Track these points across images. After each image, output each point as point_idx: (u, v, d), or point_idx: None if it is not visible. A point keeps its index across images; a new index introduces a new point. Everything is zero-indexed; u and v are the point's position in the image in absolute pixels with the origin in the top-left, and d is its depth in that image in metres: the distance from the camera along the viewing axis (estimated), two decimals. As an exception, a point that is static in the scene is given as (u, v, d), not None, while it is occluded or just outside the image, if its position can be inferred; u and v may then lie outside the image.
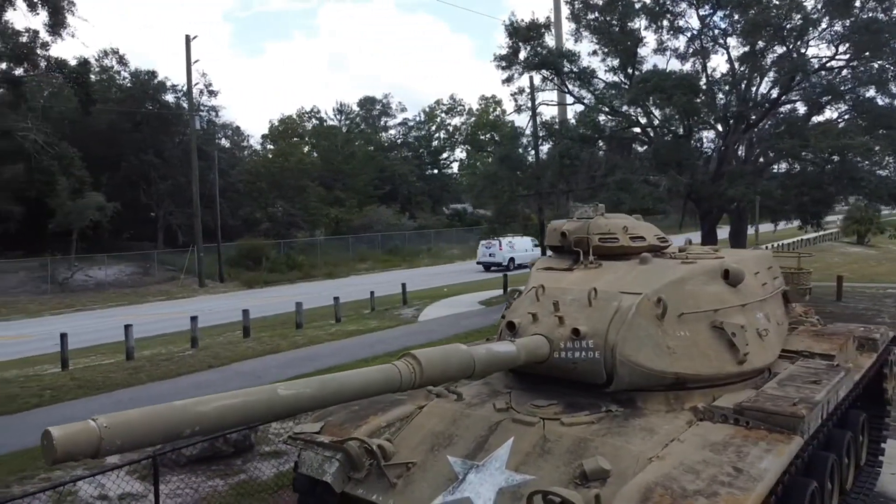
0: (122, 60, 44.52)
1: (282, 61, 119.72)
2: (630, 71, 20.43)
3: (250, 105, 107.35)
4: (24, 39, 11.37)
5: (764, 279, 7.14)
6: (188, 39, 37.09)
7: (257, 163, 51.31)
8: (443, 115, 72.07)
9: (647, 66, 20.89)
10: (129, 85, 44.96)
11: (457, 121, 72.27)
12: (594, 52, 21.89)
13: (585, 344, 5.62)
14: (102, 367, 14.52)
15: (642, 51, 21.17)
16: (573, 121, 22.04)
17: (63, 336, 14.02)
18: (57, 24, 11.82)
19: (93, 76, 45.94)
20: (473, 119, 70.47)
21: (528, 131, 23.31)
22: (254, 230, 48.98)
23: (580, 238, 6.99)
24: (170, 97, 46.77)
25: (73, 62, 11.55)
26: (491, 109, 68.76)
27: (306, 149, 63.07)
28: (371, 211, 55.18)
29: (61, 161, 12.05)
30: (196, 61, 37.79)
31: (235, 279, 40.65)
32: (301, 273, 43.21)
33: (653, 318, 5.77)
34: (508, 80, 21.10)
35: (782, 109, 19.85)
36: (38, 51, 10.95)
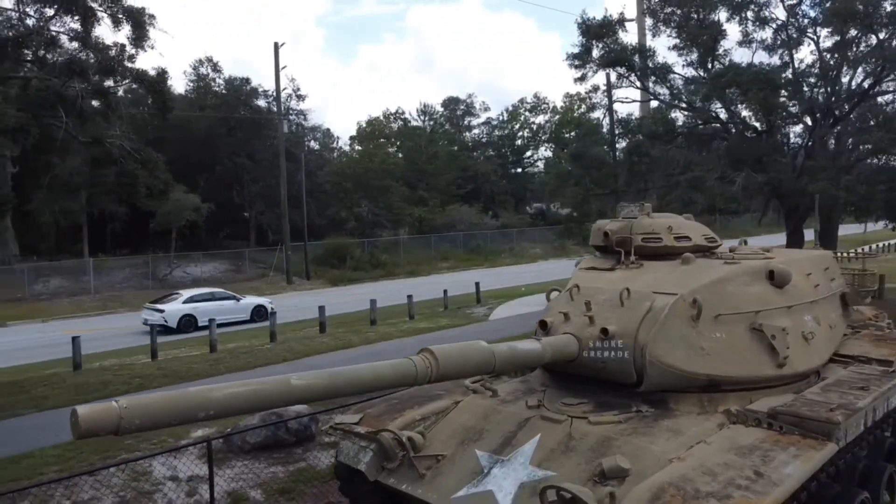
0: (216, 68, 46.93)
1: (372, 63, 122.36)
2: (710, 65, 19.78)
3: (342, 107, 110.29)
4: (112, 53, 12.42)
5: (818, 280, 6.88)
6: (276, 47, 38.64)
7: (343, 164, 52.72)
8: (526, 113, 71.68)
9: (731, 59, 20.19)
10: (223, 91, 47.19)
11: (540, 119, 71.77)
12: (673, 48, 21.34)
13: (614, 344, 5.63)
14: (187, 359, 15.48)
15: (726, 43, 20.45)
16: (642, 118, 21.53)
17: (152, 329, 15.05)
18: (140, 38, 12.80)
19: (190, 83, 48.82)
20: (558, 117, 69.74)
21: (604, 128, 22.97)
22: (340, 229, 50.41)
23: (623, 238, 6.97)
24: (262, 102, 48.86)
25: (153, 72, 12.55)
26: (576, 107, 67.77)
27: (392, 149, 64.30)
28: (453, 210, 55.60)
29: (145, 165, 13.05)
30: (283, 67, 39.27)
31: (321, 277, 41.97)
32: (384, 271, 44.12)
33: (687, 319, 5.71)
34: (581, 79, 20.89)
35: (875, 101, 18.67)
36: (126, 63, 11.90)
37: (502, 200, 65.41)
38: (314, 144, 64.02)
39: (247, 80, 47.05)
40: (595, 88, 21.84)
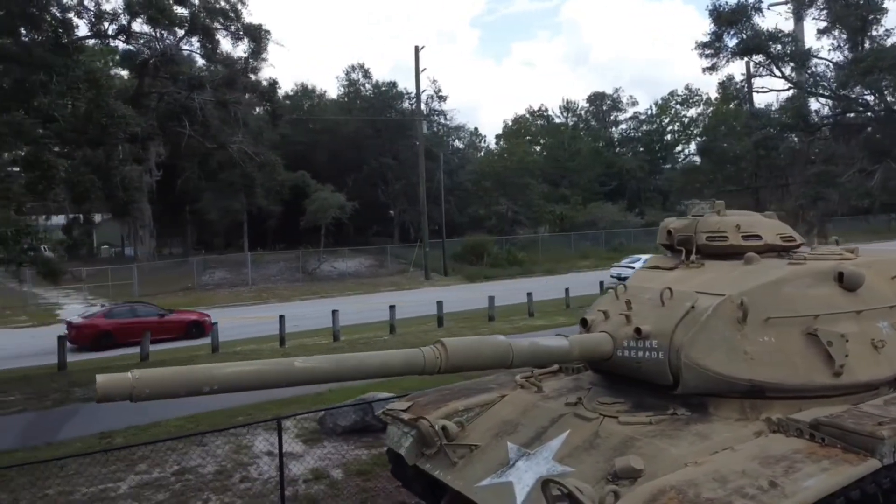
0: (366, 74, 49.40)
1: (525, 60, 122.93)
2: (860, 48, 18.01)
3: (494, 106, 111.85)
4: (238, 67, 13.74)
5: (904, 284, 6.26)
6: (417, 50, 40.02)
7: (483, 162, 53.50)
8: (677, 106, 68.63)
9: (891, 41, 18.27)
10: (371, 95, 49.61)
11: (692, 112, 68.42)
12: (821, 31, 19.69)
13: (649, 344, 5.52)
14: (311, 347, 16.65)
15: (889, 21, 18.52)
16: (773, 108, 19.99)
17: (281, 318, 16.40)
18: (257, 52, 14.07)
19: (342, 88, 51.75)
20: (711, 109, 66.14)
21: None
22: (480, 227, 51.30)
23: (686, 237, 6.75)
24: (407, 104, 50.80)
25: (265, 83, 13.78)
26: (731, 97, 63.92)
27: (537, 147, 64.29)
28: (595, 208, 54.56)
29: (263, 167, 14.22)
30: (423, 70, 40.57)
31: (458, 273, 42.95)
32: (521, 269, 44.31)
33: (733, 321, 5.47)
34: (712, 69, 19.78)
35: None
36: (248, 75, 13.10)
37: (649, 198, 63.24)
38: (459, 144, 65.54)
39: (393, 84, 49.19)
40: (730, 78, 20.64)
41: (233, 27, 13.24)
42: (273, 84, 14.18)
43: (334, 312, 17.74)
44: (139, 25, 11.63)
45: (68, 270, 18.41)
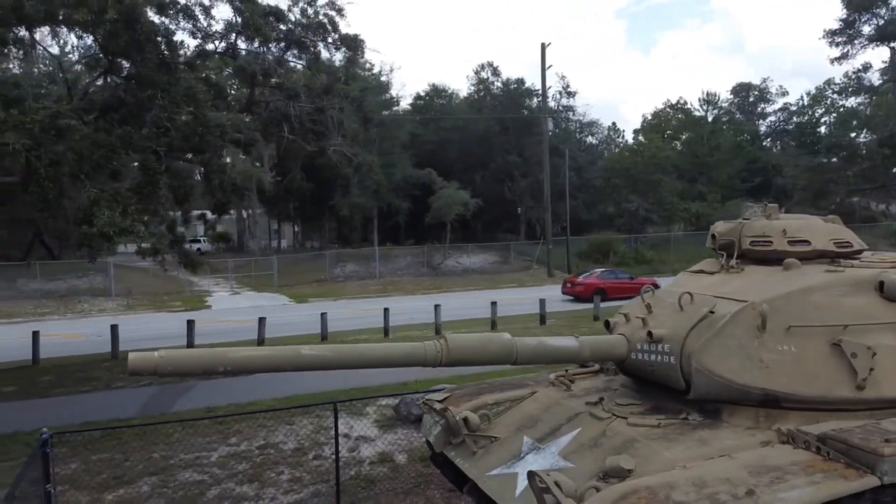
0: (496, 72, 49.90)
1: (672, 52, 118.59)
2: None
3: (638, 100, 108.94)
4: (339, 76, 14.66)
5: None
6: (543, 47, 39.90)
7: (613, 158, 52.36)
8: (834, 96, 63.23)
9: None
10: (499, 93, 50.09)
11: (852, 101, 62.73)
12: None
13: (661, 348, 5.56)
14: (412, 338, 17.39)
15: None
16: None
17: (385, 311, 17.29)
18: (352, 62, 14.87)
19: (472, 87, 52.61)
20: (874, 98, 60.38)
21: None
22: (610, 225, 50.34)
23: (728, 241, 6.64)
24: (536, 101, 50.74)
25: (357, 92, 14.54)
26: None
27: (678, 143, 61.84)
28: (734, 205, 51.65)
29: (358, 169, 14.95)
30: (549, 67, 40.41)
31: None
32: (649, 268, 43.06)
33: (752, 329, 5.39)
34: (843, 58, 18.25)
35: None
36: (344, 85, 13.99)
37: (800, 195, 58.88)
38: (592, 140, 64.50)
39: (521, 81, 49.33)
40: (865, 68, 18.94)
41: (330, 38, 14.24)
42: (363, 91, 15.02)
43: (437, 307, 18.40)
44: (242, 43, 12.92)
45: (207, 262, 20.35)
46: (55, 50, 11.86)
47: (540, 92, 49.78)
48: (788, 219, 6.76)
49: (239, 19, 12.07)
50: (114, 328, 16.51)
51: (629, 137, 66.19)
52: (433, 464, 7.16)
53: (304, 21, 13.38)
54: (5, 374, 14.48)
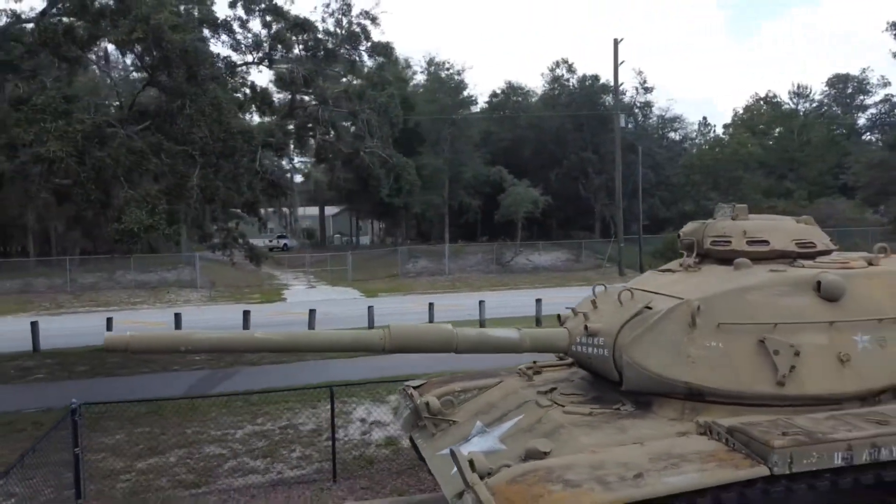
0: (570, 69, 49.62)
1: (773, 41, 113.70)
2: None
3: (734, 93, 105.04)
4: (375, 80, 15.45)
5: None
6: (615, 43, 39.45)
7: (693, 155, 50.92)
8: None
9: None
10: (574, 90, 49.74)
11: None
12: None
13: (597, 341, 5.89)
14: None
15: None
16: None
17: (430, 305, 17.85)
18: (382, 68, 15.56)
19: (546, 85, 52.46)
20: None
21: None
22: (687, 223, 49.00)
23: (692, 241, 6.85)
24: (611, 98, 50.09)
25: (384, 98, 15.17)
26: None
27: (770, 140, 59.38)
28: (824, 203, 49.20)
29: (392, 170, 15.58)
30: (622, 62, 39.83)
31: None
32: (727, 268, 41.76)
33: (684, 325, 5.64)
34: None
35: None
36: (374, 91, 14.70)
37: (900, 192, 55.26)
38: (675, 136, 62.87)
39: (596, 78, 48.79)
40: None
41: (362, 47, 14.95)
42: (392, 97, 15.66)
43: (481, 303, 18.83)
44: (277, 54, 13.82)
45: (273, 257, 21.59)
46: (111, 64, 13.11)
47: (622, 87, 49.23)
48: (756, 219, 6.88)
49: (267, 32, 13.04)
50: (177, 316, 17.91)
51: (720, 132, 64.16)
52: (411, 445, 7.70)
53: (336, 31, 14.20)
54: (81, 355, 16.05)
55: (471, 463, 5.02)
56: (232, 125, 10.90)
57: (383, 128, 15.22)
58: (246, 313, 18.10)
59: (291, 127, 14.65)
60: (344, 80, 15.68)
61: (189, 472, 8.86)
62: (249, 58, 13.67)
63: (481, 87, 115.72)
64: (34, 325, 17.14)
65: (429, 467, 6.48)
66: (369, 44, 14.79)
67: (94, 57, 12.07)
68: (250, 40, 13.23)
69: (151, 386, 13.26)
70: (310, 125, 14.56)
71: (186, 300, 34.15)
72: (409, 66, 54.08)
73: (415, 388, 7.36)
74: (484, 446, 5.83)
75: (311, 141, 15.12)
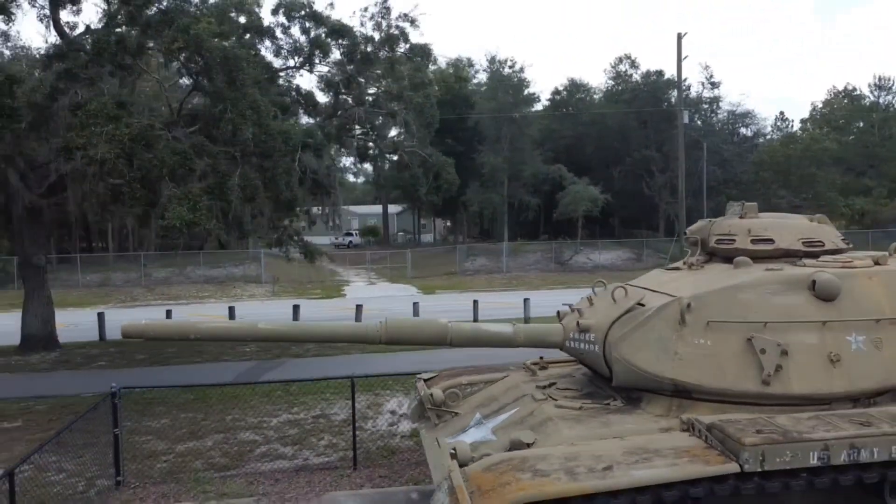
0: (634, 64, 48.79)
1: (856, 33, 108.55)
2: None
3: (815, 86, 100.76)
4: (417, 81, 15.74)
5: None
6: (679, 37, 38.51)
7: (763, 151, 49.17)
8: None
9: None
10: (638, 85, 48.88)
11: None
12: None
13: (588, 337, 5.98)
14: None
15: None
16: None
17: (475, 303, 18.03)
18: (419, 69, 15.86)
19: (611, 81, 51.74)
20: None
21: None
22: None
23: (698, 239, 6.85)
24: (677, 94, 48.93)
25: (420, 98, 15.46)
26: None
27: (848, 134, 56.74)
28: (908, 201, 46.77)
29: (430, 168, 15.78)
30: (685, 57, 38.85)
31: (720, 270, 40.62)
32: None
33: (674, 322, 5.69)
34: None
35: None
36: (410, 92, 15.07)
37: None
38: (745, 131, 60.90)
39: (660, 73, 47.80)
40: None
41: (400, 49, 15.22)
42: (428, 97, 15.90)
43: (526, 300, 18.90)
44: (317, 59, 14.32)
45: (327, 253, 22.27)
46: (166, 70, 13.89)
47: (686, 83, 48.09)
48: (765, 217, 6.82)
49: (307, 38, 13.51)
50: (231, 309, 18.72)
51: (798, 127, 61.71)
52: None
53: (373, 36, 14.61)
54: (141, 346, 17.00)
55: (453, 451, 5.25)
56: (271, 127, 11.45)
57: (420, 128, 15.53)
58: (295, 307, 18.78)
59: (330, 129, 15.16)
60: (383, 81, 16.10)
61: (223, 456, 9.38)
62: (291, 62, 14.28)
63: (542, 85, 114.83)
64: (100, 315, 18.29)
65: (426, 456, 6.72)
66: (407, 46, 15.13)
67: (147, 65, 12.84)
68: (292, 46, 13.80)
69: (201, 375, 13.98)
70: (348, 126, 15.02)
71: (251, 295, 35.47)
72: (470, 64, 54.36)
73: (426, 380, 7.62)
74: (477, 437, 6.02)
75: (350, 141, 15.60)
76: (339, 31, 14.11)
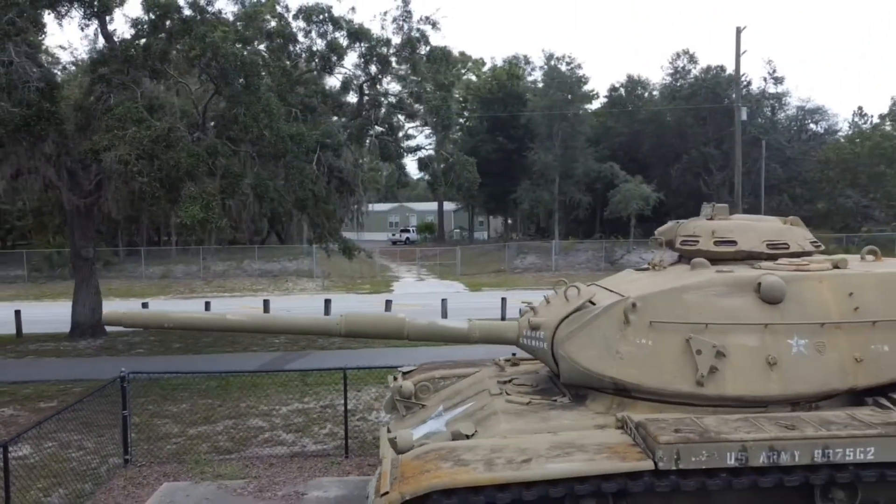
0: (692, 59, 47.58)
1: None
2: None
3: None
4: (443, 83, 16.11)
5: (870, 302, 5.53)
6: (738, 31, 37.34)
7: (829, 148, 47.09)
8: None
9: None
10: (698, 81, 47.62)
11: None
12: None
13: (538, 335, 6.13)
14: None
15: None
16: None
17: (503, 300, 18.12)
18: (439, 71, 16.07)
19: (668, 77, 50.60)
20: None
21: None
22: (825, 223, 45.66)
23: (665, 240, 6.89)
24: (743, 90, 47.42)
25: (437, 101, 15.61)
26: None
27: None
28: None
29: (454, 167, 15.93)
30: (744, 52, 37.55)
31: (779, 272, 39.25)
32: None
33: (618, 322, 5.78)
34: None
35: None
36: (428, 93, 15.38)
37: None
38: (815, 127, 58.52)
39: (721, 68, 46.47)
40: None
41: (421, 51, 15.43)
42: (445, 100, 16.05)
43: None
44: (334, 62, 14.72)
45: (364, 249, 22.79)
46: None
47: (743, 79, 46.61)
48: (735, 219, 6.80)
49: (324, 42, 13.94)
50: (266, 302, 19.44)
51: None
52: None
53: (391, 39, 14.94)
54: (179, 335, 17.87)
55: (393, 440, 5.52)
56: (282, 129, 11.93)
57: (437, 128, 15.76)
58: (327, 302, 19.38)
59: (352, 129, 15.56)
60: (404, 83, 16.44)
61: (228, 441, 9.90)
62: (311, 65, 14.73)
63: (598, 82, 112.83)
64: (145, 305, 19.32)
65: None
66: (428, 48, 15.39)
67: (177, 70, 13.57)
68: (307, 49, 14.25)
69: (230, 363, 14.66)
70: (367, 126, 15.40)
71: (302, 289, 36.47)
72: (527, 62, 54.16)
73: (405, 373, 7.89)
74: (432, 428, 6.26)
75: (368, 141, 15.99)
76: (357, 34, 14.51)
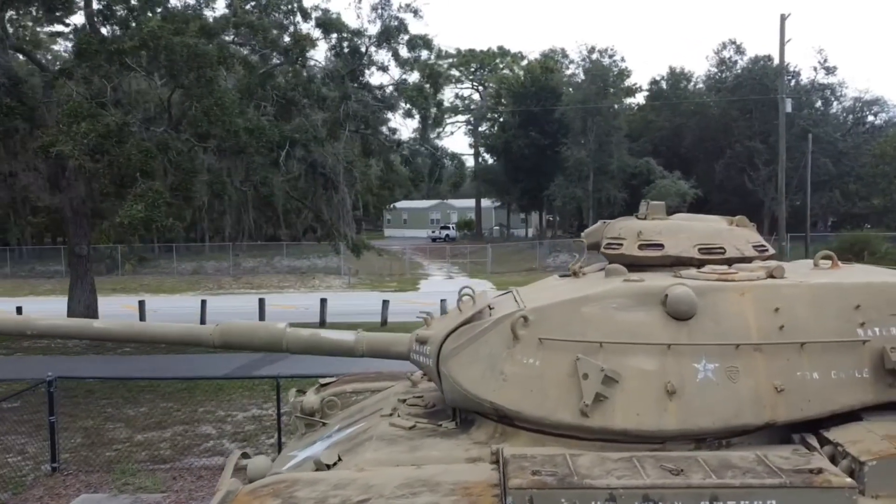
0: (739, 49, 45.51)
1: None
2: None
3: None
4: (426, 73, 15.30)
5: (798, 319, 4.62)
6: (782, 19, 35.49)
7: (885, 142, 44.35)
8: None
9: None
10: (744, 72, 45.58)
11: None
12: None
13: (424, 350, 5.41)
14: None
15: None
16: None
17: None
18: (417, 60, 15.32)
19: (713, 69, 48.60)
20: None
21: None
22: (881, 220, 43.23)
23: (591, 243, 6.09)
24: (792, 81, 45.16)
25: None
26: None
27: None
28: None
29: (439, 162, 15.24)
30: (789, 41, 35.71)
31: (826, 271, 37.18)
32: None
33: (507, 339, 5.03)
34: None
35: None
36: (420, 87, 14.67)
37: None
38: (876, 120, 55.51)
39: (768, 59, 44.29)
40: None
41: (401, 41, 14.73)
42: (435, 94, 15.31)
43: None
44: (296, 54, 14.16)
45: (373, 246, 22.32)
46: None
47: (790, 70, 44.46)
48: (677, 218, 5.95)
49: (289, 33, 13.41)
50: (261, 301, 19.10)
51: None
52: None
53: (366, 29, 14.30)
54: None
55: (241, 468, 4.92)
56: (236, 124, 11.43)
57: (426, 120, 15.10)
58: (323, 301, 18.93)
59: (329, 123, 15.00)
60: (381, 74, 15.92)
61: (170, 449, 9.49)
62: (275, 60, 14.25)
63: (639, 76, 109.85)
64: (141, 303, 19.25)
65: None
66: (407, 37, 14.73)
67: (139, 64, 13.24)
68: (269, 41, 13.74)
69: (205, 365, 14.31)
70: (341, 121, 14.81)
71: (328, 286, 36.33)
72: (565, 55, 52.86)
73: (323, 385, 7.27)
74: (309, 453, 5.63)
75: (343, 135, 15.37)
76: (325, 25, 13.94)
